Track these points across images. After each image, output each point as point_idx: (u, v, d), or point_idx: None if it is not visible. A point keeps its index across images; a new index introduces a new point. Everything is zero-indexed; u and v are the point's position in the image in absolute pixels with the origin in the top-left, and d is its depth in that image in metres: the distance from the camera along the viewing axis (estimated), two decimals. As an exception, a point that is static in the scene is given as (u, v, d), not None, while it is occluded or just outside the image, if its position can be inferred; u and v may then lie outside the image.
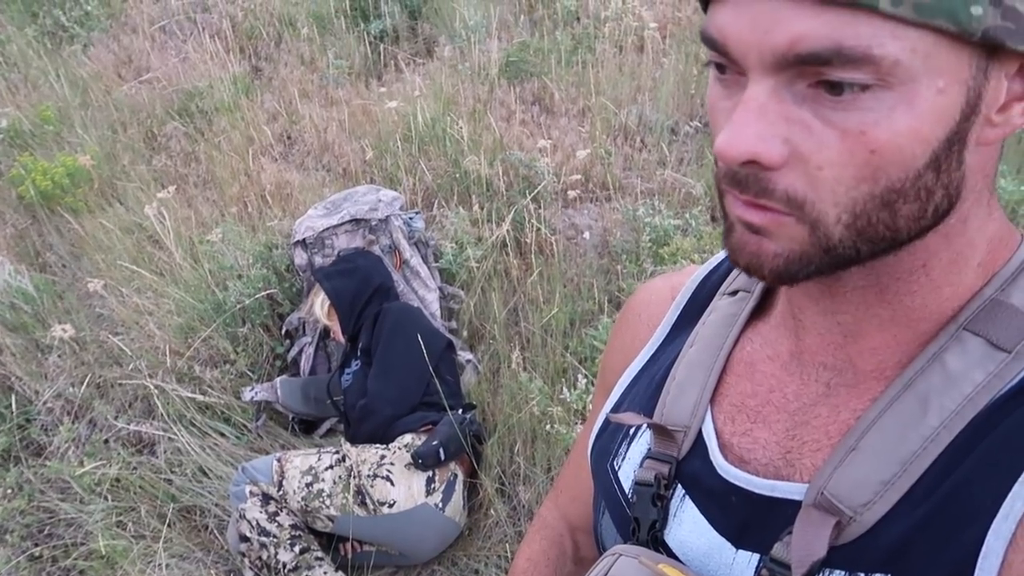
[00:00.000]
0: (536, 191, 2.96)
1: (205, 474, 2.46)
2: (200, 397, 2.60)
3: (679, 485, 0.60)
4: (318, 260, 2.75)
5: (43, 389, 2.70)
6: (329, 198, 2.99)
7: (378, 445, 2.20)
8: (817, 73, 0.42)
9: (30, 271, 3.21)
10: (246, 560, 2.12)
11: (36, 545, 2.34)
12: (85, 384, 2.67)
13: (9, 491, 2.46)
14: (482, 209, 2.98)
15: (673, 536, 0.59)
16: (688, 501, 0.59)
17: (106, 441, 2.58)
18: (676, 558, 0.58)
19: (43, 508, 2.43)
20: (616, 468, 0.66)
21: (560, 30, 3.99)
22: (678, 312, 0.69)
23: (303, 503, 2.11)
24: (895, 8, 0.39)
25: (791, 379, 0.57)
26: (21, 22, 4.87)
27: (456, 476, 2.22)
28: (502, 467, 2.35)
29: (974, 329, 0.49)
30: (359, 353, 2.45)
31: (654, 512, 0.59)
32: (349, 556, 2.22)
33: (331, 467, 2.15)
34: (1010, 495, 0.44)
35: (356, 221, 2.78)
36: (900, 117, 0.41)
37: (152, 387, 2.56)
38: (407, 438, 2.21)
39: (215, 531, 2.36)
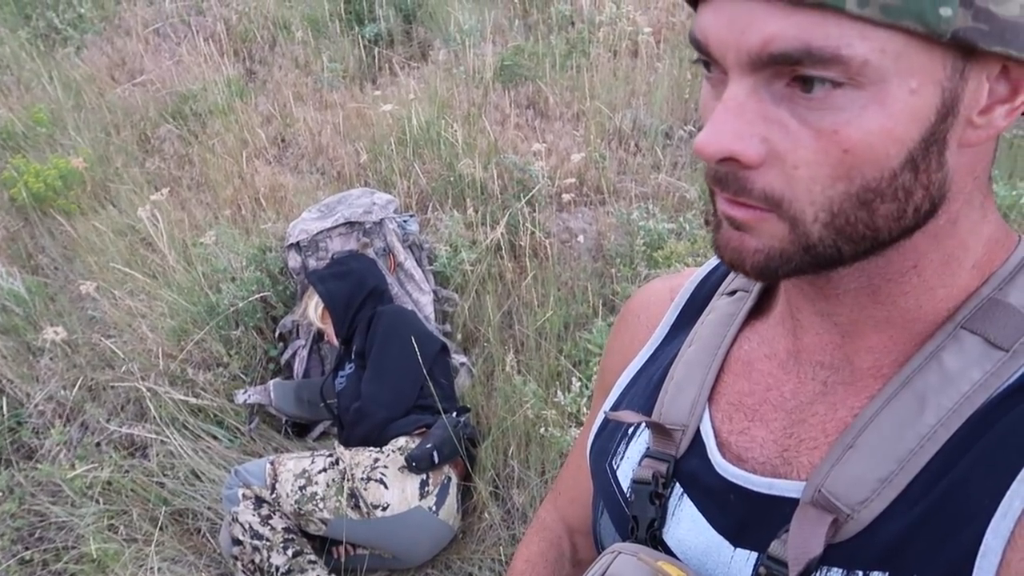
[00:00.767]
0: (530, 195, 2.96)
1: (198, 477, 2.45)
2: (193, 400, 2.59)
3: (677, 483, 0.60)
4: (312, 263, 2.75)
5: (34, 392, 2.68)
6: (323, 201, 2.99)
7: (372, 448, 2.20)
8: (792, 72, 0.42)
9: (22, 273, 3.20)
10: (239, 564, 2.11)
11: (27, 549, 2.32)
12: (77, 387, 2.66)
13: (0, 495, 2.44)
14: (476, 212, 2.98)
15: (671, 535, 0.59)
16: (686, 499, 0.59)
17: (98, 444, 2.56)
18: (674, 556, 0.58)
19: (34, 511, 2.42)
20: (615, 467, 0.66)
21: (555, 34, 4.00)
22: (677, 313, 0.69)
23: (296, 506, 2.10)
24: (862, 9, 0.39)
25: (788, 378, 0.57)
26: (14, 24, 4.86)
27: (450, 479, 2.21)
28: (496, 470, 2.35)
29: (972, 328, 0.49)
30: (353, 356, 2.45)
31: (652, 510, 0.60)
32: (342, 559, 2.21)
33: (324, 470, 2.14)
34: (1008, 493, 0.44)
35: (350, 224, 2.77)
36: (872, 116, 0.42)
37: (144, 390, 2.55)
38: (401, 441, 2.20)
39: (207, 534, 2.35)
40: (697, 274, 0.70)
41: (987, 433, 0.47)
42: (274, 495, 2.11)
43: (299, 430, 2.69)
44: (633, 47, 3.85)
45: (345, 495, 2.09)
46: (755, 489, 0.54)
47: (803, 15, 0.41)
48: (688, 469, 0.60)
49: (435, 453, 2.13)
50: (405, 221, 2.89)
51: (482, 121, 3.36)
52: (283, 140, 3.79)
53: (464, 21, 4.03)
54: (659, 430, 0.62)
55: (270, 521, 2.10)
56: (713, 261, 0.71)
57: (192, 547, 2.32)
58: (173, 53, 4.38)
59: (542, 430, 2.22)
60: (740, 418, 0.59)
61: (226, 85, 3.98)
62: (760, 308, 0.63)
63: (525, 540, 0.85)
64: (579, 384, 2.31)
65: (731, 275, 0.67)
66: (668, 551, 0.59)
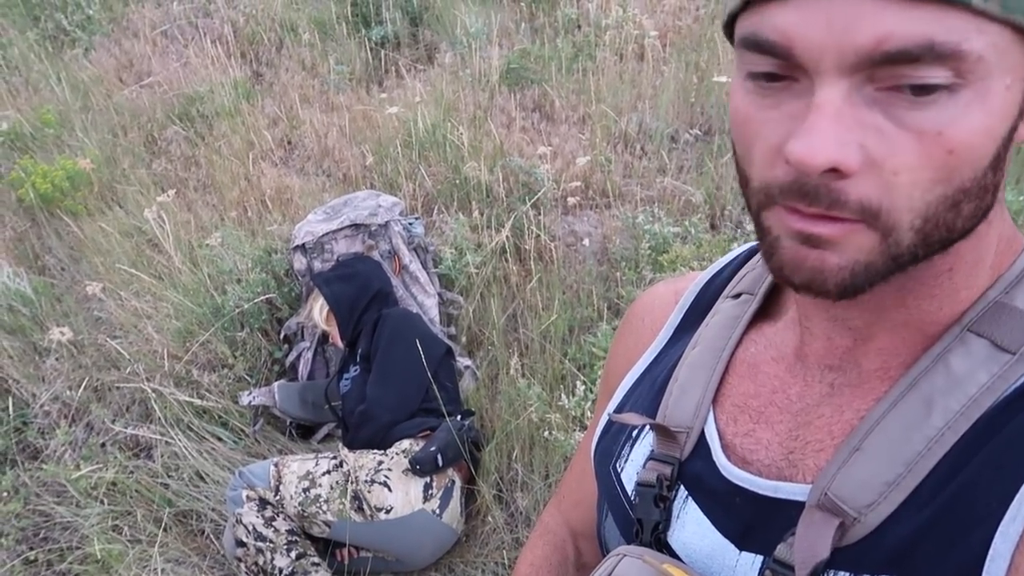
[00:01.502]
0: (536, 198, 2.96)
1: (202, 478, 2.45)
2: (198, 401, 2.59)
3: (681, 486, 0.60)
4: (317, 265, 2.75)
5: (40, 392, 2.69)
6: (329, 203, 2.99)
7: (376, 451, 2.20)
8: (897, 75, 0.40)
9: (29, 274, 3.21)
10: (242, 565, 2.11)
11: (31, 549, 2.33)
12: (82, 387, 2.67)
13: (5, 494, 2.44)
14: (482, 215, 2.98)
15: (676, 538, 0.59)
16: (691, 502, 0.59)
17: (103, 445, 2.57)
18: (679, 559, 0.58)
19: (39, 512, 2.42)
20: (619, 470, 0.66)
21: (561, 37, 4.00)
22: (681, 315, 0.69)
23: (300, 508, 2.10)
24: (985, 3, 0.39)
25: (795, 380, 0.57)
26: (23, 26, 4.88)
27: (454, 482, 2.21)
28: (500, 474, 2.34)
29: (978, 331, 0.49)
30: (358, 358, 2.45)
31: (657, 513, 0.59)
32: (346, 562, 2.21)
33: (328, 472, 2.14)
34: (1016, 497, 0.44)
35: (356, 226, 2.77)
36: (975, 115, 0.41)
37: (150, 391, 2.55)
38: (405, 444, 2.20)
39: (211, 536, 2.35)
40: (701, 277, 0.70)
41: (995, 437, 0.46)
42: (278, 497, 2.11)
43: (303, 432, 2.69)
44: (639, 51, 3.85)
45: (349, 498, 2.09)
46: (761, 492, 0.54)
47: (923, 10, 0.39)
48: (693, 472, 0.59)
49: (439, 456, 2.13)
50: (410, 223, 2.89)
51: (488, 124, 3.36)
52: (289, 142, 3.80)
53: (470, 24, 4.03)
54: (663, 432, 0.61)
55: (274, 523, 2.10)
56: (718, 263, 0.70)
57: (196, 548, 2.33)
58: (180, 55, 4.40)
59: (546, 434, 2.22)
60: (745, 420, 0.58)
61: (233, 87, 4.00)
62: (766, 311, 0.63)
63: (529, 544, 0.84)
64: (583, 388, 2.30)
65: (736, 278, 0.66)
66: (673, 554, 0.59)
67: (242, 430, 2.61)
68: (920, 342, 0.51)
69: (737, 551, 0.55)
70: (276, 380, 2.72)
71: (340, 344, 2.55)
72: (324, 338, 2.70)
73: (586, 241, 2.93)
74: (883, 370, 0.52)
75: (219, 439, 2.56)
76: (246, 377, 2.71)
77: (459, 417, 2.31)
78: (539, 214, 2.95)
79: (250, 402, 2.54)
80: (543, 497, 2.24)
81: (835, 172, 0.42)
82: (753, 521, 0.54)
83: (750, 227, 2.81)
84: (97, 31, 4.73)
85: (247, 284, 2.75)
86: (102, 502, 2.38)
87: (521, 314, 2.75)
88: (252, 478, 2.13)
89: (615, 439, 0.68)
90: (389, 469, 2.13)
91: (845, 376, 0.54)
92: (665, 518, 0.59)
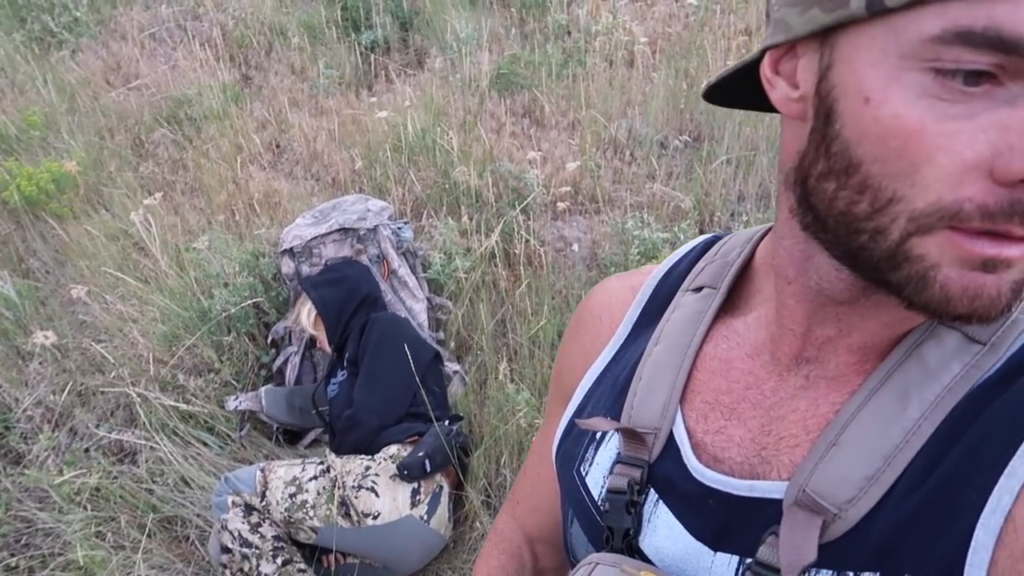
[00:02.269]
0: (525, 203, 2.96)
1: (187, 484, 2.43)
2: (183, 406, 2.56)
3: (652, 489, 0.58)
4: (305, 269, 2.74)
5: (23, 396, 2.66)
6: (317, 207, 2.98)
7: (363, 456, 2.18)
8: None
9: (13, 277, 3.17)
10: (227, 572, 2.09)
11: (12, 555, 2.29)
12: (66, 392, 2.64)
13: (-14, 500, 2.42)
14: (471, 220, 2.98)
15: (648, 543, 0.58)
16: (662, 506, 0.57)
17: (86, 450, 2.54)
18: (652, 564, 0.57)
19: (20, 518, 2.39)
20: (583, 474, 0.64)
21: (551, 43, 4.00)
22: (639, 310, 0.67)
23: (286, 514, 2.08)
24: None
25: (769, 376, 0.56)
26: (9, 27, 4.84)
27: (442, 488, 2.20)
28: (488, 479, 2.33)
29: (948, 323, 0.49)
30: (345, 363, 2.43)
31: (628, 520, 0.58)
32: (332, 568, 2.19)
33: (315, 478, 2.13)
34: (996, 489, 0.43)
35: (344, 230, 2.76)
36: None
37: (135, 395, 2.53)
38: (392, 449, 2.19)
39: (196, 542, 2.33)
40: (658, 271, 0.68)
41: (971, 426, 0.46)
42: (264, 503, 2.09)
43: (290, 437, 2.67)
44: (629, 57, 3.86)
45: (336, 503, 2.07)
46: (735, 492, 0.53)
47: None
48: (663, 474, 0.58)
49: (427, 461, 2.12)
50: (399, 228, 2.88)
51: (478, 129, 3.36)
52: (278, 146, 3.79)
53: (461, 29, 4.03)
54: (630, 434, 0.59)
55: (260, 529, 2.08)
56: (673, 256, 0.68)
57: (180, 555, 2.30)
58: (169, 58, 4.37)
59: (534, 439, 2.21)
60: (716, 417, 0.57)
61: (221, 90, 3.98)
62: (731, 304, 0.61)
63: (483, 555, 0.82)
64: (572, 393, 2.30)
65: (694, 271, 0.64)
66: (644, 559, 0.57)
67: (228, 435, 2.59)
68: (893, 335, 0.51)
69: (712, 552, 0.54)
70: (263, 385, 2.70)
71: (328, 349, 2.53)
72: (312, 343, 2.69)
73: (575, 246, 2.93)
74: (859, 363, 0.52)
75: (205, 444, 2.54)
76: (232, 382, 2.69)
77: (447, 422, 2.30)
78: (528, 219, 2.95)
79: (236, 407, 2.52)
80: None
81: None
82: (728, 522, 0.53)
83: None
84: (84, 33, 4.70)
85: (234, 288, 2.74)
86: (85, 508, 2.36)
87: (510, 319, 2.75)
88: (238, 483, 2.11)
89: (577, 442, 0.66)
90: (377, 474, 2.12)
91: (822, 368, 0.53)
92: (636, 524, 0.58)
